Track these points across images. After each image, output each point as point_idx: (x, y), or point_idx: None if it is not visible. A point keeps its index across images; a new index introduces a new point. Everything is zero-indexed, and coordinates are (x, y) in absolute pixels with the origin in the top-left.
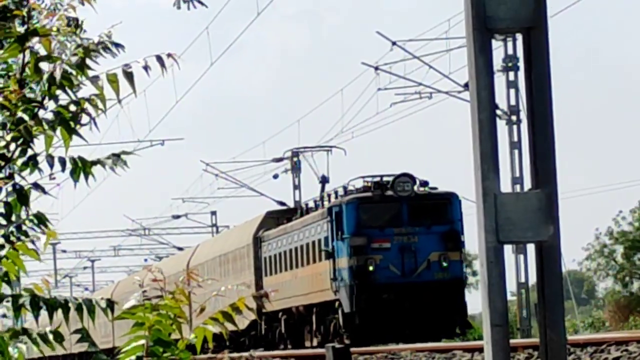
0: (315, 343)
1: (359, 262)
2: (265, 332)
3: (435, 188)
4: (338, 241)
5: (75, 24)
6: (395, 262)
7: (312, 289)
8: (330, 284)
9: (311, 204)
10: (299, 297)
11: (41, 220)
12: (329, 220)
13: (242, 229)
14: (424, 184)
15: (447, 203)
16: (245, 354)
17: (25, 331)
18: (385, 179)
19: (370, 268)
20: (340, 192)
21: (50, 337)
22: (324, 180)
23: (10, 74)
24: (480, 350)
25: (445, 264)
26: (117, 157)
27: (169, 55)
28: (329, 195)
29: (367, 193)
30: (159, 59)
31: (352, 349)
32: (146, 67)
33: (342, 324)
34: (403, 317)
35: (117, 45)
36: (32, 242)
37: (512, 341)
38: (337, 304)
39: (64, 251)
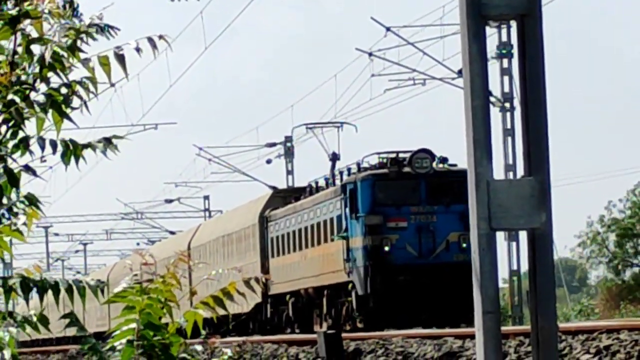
0: (325, 327)
1: (374, 241)
2: (272, 315)
3: (455, 165)
4: (352, 220)
5: (70, 7)
6: (412, 242)
7: (323, 270)
8: (343, 264)
9: (321, 182)
10: (308, 278)
11: (32, 201)
12: (343, 198)
13: (246, 209)
14: (443, 160)
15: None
16: (239, 339)
17: (10, 314)
18: (401, 155)
19: (386, 248)
20: (354, 169)
21: (34, 319)
22: (334, 158)
23: (2, 56)
24: (472, 337)
25: (464, 245)
26: (108, 141)
27: (160, 37)
28: (341, 173)
29: (383, 169)
30: (150, 40)
31: (343, 335)
32: (138, 49)
33: (355, 307)
34: (420, 301)
35: (111, 27)
36: (24, 223)
37: (503, 328)
38: (350, 285)
39: (56, 234)
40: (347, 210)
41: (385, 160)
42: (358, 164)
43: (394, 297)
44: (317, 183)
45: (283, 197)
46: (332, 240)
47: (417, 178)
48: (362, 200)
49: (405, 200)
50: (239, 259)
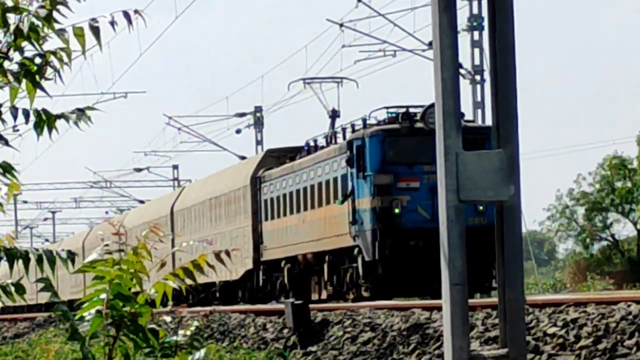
0: (325, 296)
1: (384, 203)
2: (264, 283)
3: (472, 121)
4: (359, 179)
5: None
6: (424, 204)
7: (325, 234)
8: (348, 228)
9: (321, 141)
10: (307, 243)
11: (7, 169)
12: (349, 156)
13: (237, 169)
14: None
15: (485, 139)
16: (207, 308)
17: None
18: (412, 110)
19: (396, 210)
20: (359, 125)
21: (12, 289)
22: (334, 114)
23: None
24: (439, 309)
25: (481, 208)
26: (81, 112)
27: (135, 11)
28: (343, 129)
29: (393, 125)
30: (126, 15)
31: (311, 306)
32: (113, 23)
33: (362, 273)
34: (432, 267)
35: None
36: (5, 193)
37: (470, 300)
38: (355, 251)
39: (25, 202)
40: (354, 169)
41: (394, 116)
42: (364, 120)
43: (404, 263)
44: (315, 141)
45: (277, 157)
46: (337, 199)
47: (430, 134)
48: (370, 158)
49: (417, 158)
50: (227, 223)
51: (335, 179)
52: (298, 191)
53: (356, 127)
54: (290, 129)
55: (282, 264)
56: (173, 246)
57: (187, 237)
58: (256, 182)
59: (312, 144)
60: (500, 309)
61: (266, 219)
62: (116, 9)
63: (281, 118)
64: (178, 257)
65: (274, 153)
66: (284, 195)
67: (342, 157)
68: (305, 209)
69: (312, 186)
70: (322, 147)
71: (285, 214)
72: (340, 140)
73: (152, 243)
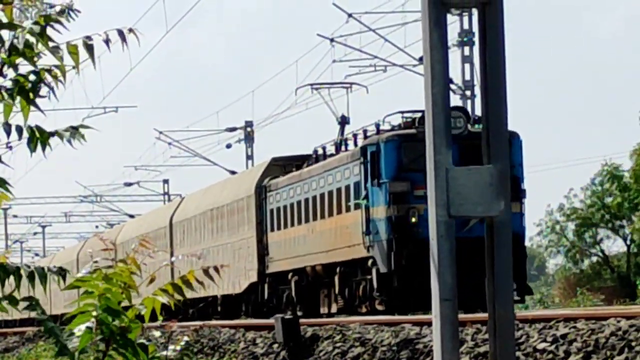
0: (335, 309)
1: (399, 212)
2: (269, 296)
3: None
4: (374, 187)
5: None
6: None
7: (336, 244)
8: (361, 238)
9: (329, 148)
10: (316, 254)
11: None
12: (363, 162)
13: (240, 179)
14: (479, 120)
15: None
16: (198, 323)
17: None
18: None
19: (413, 219)
20: (371, 131)
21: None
22: (343, 121)
23: None
24: (429, 324)
25: None
26: (75, 130)
27: (130, 30)
28: (354, 135)
29: (410, 130)
30: (121, 33)
31: (301, 321)
32: (107, 41)
33: (376, 286)
34: None
35: (71, 9)
36: None
37: (460, 316)
38: (369, 262)
39: (15, 216)
40: (368, 176)
41: (410, 120)
42: (377, 125)
43: (422, 276)
44: (324, 148)
45: (282, 165)
46: (349, 208)
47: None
48: (385, 164)
49: None
50: (230, 235)
51: (347, 187)
52: (307, 200)
53: (368, 133)
54: (281, 143)
55: (289, 276)
56: (172, 253)
57: (187, 249)
58: (261, 192)
59: (320, 151)
60: (490, 324)
61: (272, 230)
62: (107, 22)
63: (272, 133)
64: (178, 270)
65: (279, 161)
66: (292, 205)
67: (355, 163)
68: (315, 218)
69: (322, 195)
70: (331, 155)
71: (292, 224)
72: (350, 147)
73: (141, 258)
